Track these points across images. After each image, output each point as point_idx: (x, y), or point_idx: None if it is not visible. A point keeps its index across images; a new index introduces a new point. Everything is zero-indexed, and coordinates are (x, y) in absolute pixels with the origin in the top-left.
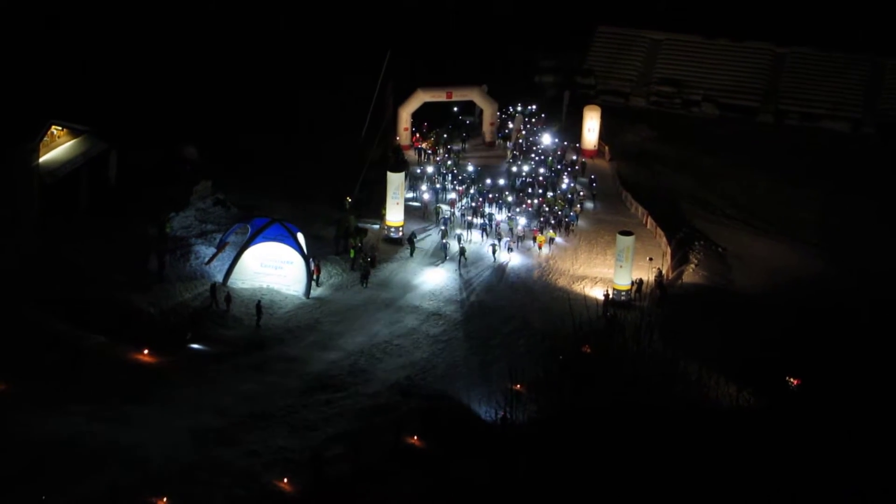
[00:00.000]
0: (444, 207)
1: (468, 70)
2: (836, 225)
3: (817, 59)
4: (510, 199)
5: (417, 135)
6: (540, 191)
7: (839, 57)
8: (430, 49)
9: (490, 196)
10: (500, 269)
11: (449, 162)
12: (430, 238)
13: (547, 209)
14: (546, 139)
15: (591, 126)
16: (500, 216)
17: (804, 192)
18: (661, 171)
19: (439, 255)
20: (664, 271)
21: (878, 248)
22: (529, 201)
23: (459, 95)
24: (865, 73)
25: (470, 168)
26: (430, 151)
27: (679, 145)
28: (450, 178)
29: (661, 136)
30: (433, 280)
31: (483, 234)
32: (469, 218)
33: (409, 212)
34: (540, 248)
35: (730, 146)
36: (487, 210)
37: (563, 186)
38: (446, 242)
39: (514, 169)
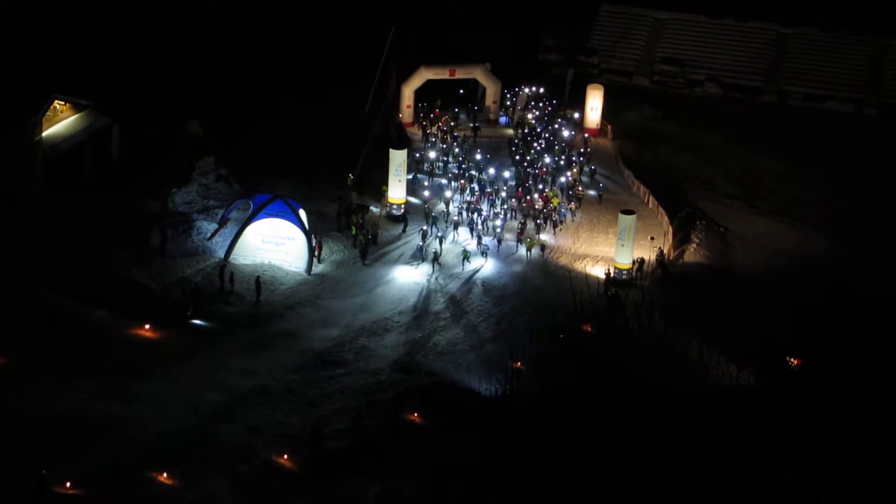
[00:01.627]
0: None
1: (472, 48)
2: (837, 206)
3: (821, 40)
4: (503, 194)
5: (433, 113)
6: (541, 186)
7: (843, 38)
8: (434, 26)
9: (489, 191)
10: (468, 281)
11: (457, 149)
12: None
13: (541, 208)
14: (564, 132)
15: (594, 105)
16: (487, 211)
17: (806, 173)
18: (664, 151)
19: (417, 257)
20: (665, 251)
21: (880, 229)
22: (529, 198)
23: (463, 73)
24: (869, 55)
25: (478, 156)
26: (444, 129)
27: (682, 125)
28: (455, 167)
29: (663, 116)
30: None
31: (471, 233)
32: (456, 218)
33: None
34: (529, 251)
35: (733, 126)
36: (483, 207)
37: (563, 180)
38: (423, 246)
39: (518, 157)
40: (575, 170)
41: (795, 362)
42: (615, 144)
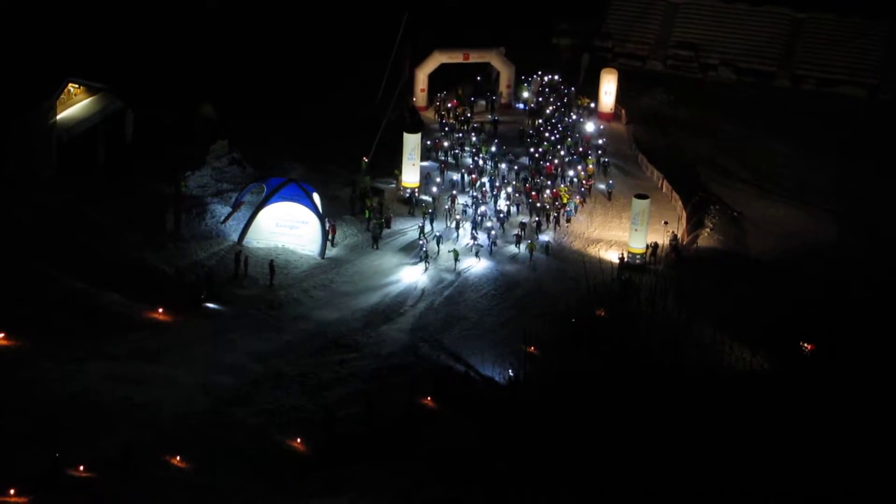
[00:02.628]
0: (429, 200)
1: (486, 32)
2: (851, 191)
3: (835, 25)
4: (509, 189)
5: (451, 102)
6: (549, 182)
7: (857, 23)
8: (448, 10)
9: (498, 185)
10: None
11: (474, 138)
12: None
13: (547, 205)
14: (582, 124)
15: (608, 89)
16: (489, 207)
17: (820, 158)
18: (678, 135)
19: (417, 256)
20: (679, 235)
21: (893, 214)
22: (535, 194)
23: (476, 57)
24: (883, 40)
25: (493, 149)
26: (461, 118)
27: (695, 109)
28: (469, 159)
29: (677, 100)
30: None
31: (473, 230)
32: (459, 217)
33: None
34: (531, 254)
35: (746, 111)
36: (486, 205)
37: (571, 173)
38: (423, 243)
39: (531, 150)
40: (590, 165)
41: (809, 347)
42: (629, 129)
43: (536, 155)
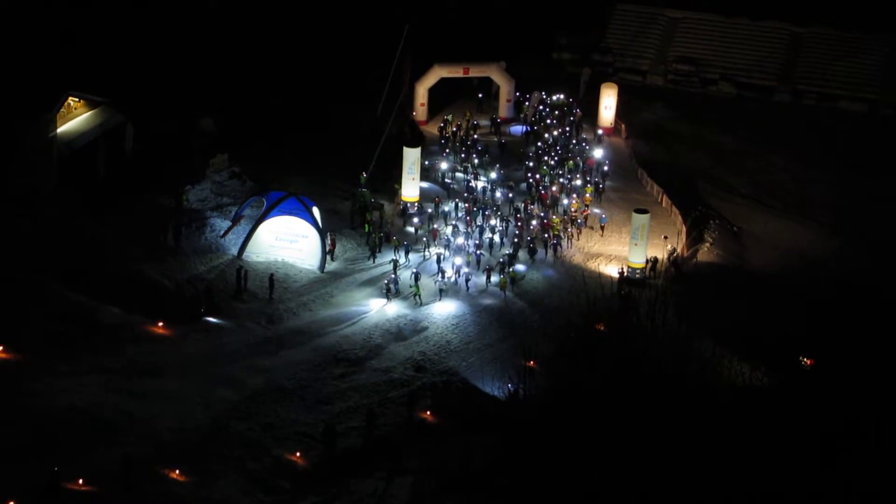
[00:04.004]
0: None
1: (486, 46)
2: (852, 206)
3: (835, 40)
4: (495, 221)
5: (457, 124)
6: (541, 214)
7: (857, 37)
8: (448, 25)
9: (487, 214)
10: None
11: (476, 159)
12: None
13: (535, 237)
14: (590, 150)
15: (608, 104)
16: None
17: (820, 173)
18: (678, 150)
19: (392, 291)
20: (679, 250)
21: (893, 230)
22: (522, 225)
23: (477, 71)
24: (883, 55)
25: (493, 175)
26: (467, 140)
27: (696, 124)
28: (466, 183)
29: (677, 115)
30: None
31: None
32: (441, 250)
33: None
34: (502, 289)
35: (746, 125)
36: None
37: (566, 202)
38: (395, 278)
39: (529, 174)
40: (587, 195)
41: (808, 362)
42: (629, 143)
43: (532, 181)
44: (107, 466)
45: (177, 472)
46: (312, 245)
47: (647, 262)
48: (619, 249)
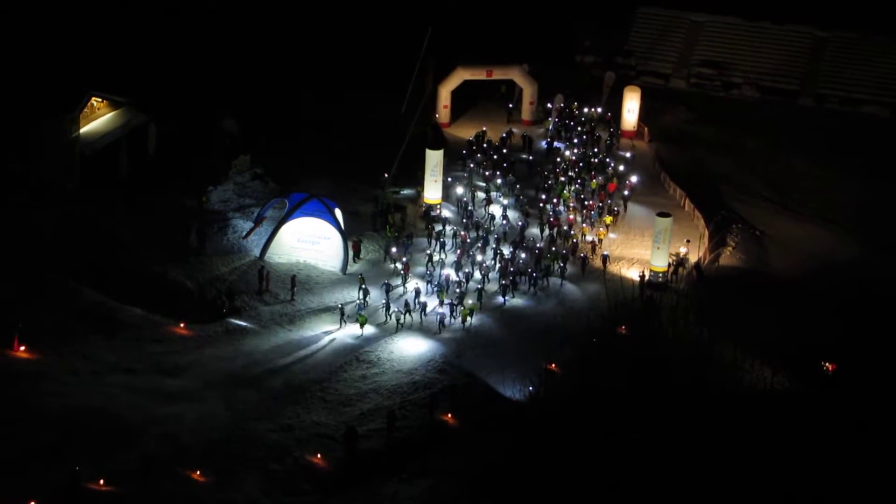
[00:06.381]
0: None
1: (509, 49)
2: (874, 210)
3: (859, 44)
4: (480, 258)
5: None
6: (540, 245)
7: (881, 41)
8: (472, 27)
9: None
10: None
11: (500, 179)
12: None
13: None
14: (633, 178)
15: (631, 107)
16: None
17: (843, 177)
18: (700, 154)
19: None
20: (701, 253)
21: None
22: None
23: (500, 74)
24: None
25: (507, 200)
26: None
27: (718, 128)
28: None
29: (700, 118)
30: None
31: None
32: (425, 284)
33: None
34: (463, 322)
35: (769, 129)
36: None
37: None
38: (386, 302)
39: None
40: (601, 228)
41: (831, 367)
42: (652, 147)
43: (542, 203)
44: (128, 467)
45: (197, 472)
46: (334, 247)
47: (669, 265)
48: (641, 253)
